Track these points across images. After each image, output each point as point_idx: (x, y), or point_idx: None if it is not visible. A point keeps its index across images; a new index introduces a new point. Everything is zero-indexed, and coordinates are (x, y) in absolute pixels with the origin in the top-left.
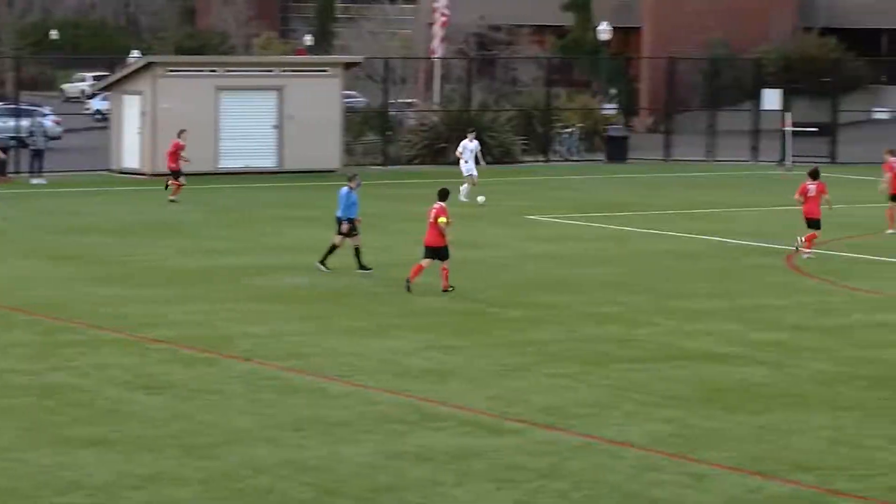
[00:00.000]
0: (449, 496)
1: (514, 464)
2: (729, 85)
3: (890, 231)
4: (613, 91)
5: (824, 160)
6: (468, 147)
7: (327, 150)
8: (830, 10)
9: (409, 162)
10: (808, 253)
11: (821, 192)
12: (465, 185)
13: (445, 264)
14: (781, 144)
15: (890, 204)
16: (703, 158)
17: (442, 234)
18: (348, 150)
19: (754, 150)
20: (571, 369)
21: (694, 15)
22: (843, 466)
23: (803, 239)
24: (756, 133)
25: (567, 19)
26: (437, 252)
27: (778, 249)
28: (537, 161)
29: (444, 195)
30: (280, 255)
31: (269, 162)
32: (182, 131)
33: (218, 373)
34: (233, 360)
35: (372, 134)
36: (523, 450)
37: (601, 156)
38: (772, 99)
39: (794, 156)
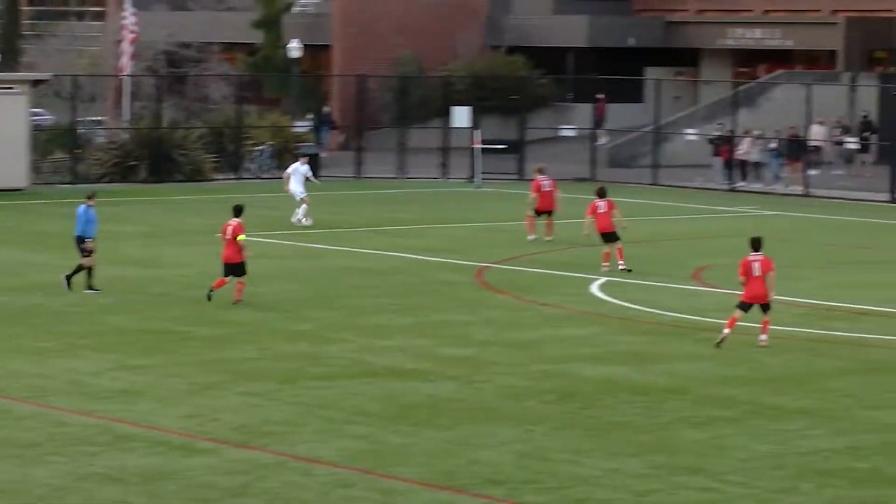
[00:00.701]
0: None
1: (206, 483)
2: (419, 102)
3: (531, 237)
4: (328, 109)
5: (512, 177)
6: (299, 170)
7: (14, 168)
8: (517, 29)
9: (99, 180)
10: (611, 266)
11: (611, 207)
12: (304, 207)
13: (243, 279)
14: (471, 161)
15: (531, 214)
16: (395, 176)
17: (240, 251)
18: (36, 169)
19: (444, 167)
20: (263, 387)
21: (383, 33)
22: (531, 479)
23: (616, 256)
24: (446, 150)
25: (257, 37)
26: (235, 268)
27: (468, 265)
28: (228, 179)
29: (238, 211)
30: None
31: None
32: None
33: None
34: None
35: (60, 152)
36: (216, 469)
37: None
38: (461, 116)
39: (483, 172)
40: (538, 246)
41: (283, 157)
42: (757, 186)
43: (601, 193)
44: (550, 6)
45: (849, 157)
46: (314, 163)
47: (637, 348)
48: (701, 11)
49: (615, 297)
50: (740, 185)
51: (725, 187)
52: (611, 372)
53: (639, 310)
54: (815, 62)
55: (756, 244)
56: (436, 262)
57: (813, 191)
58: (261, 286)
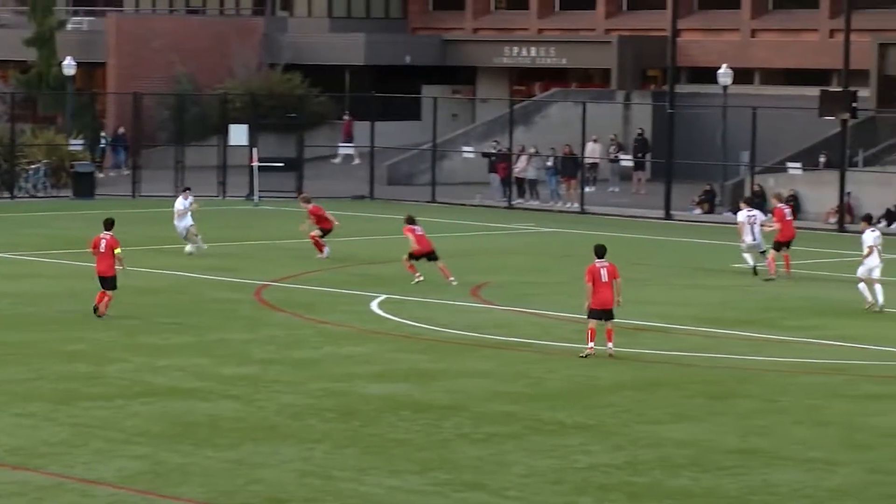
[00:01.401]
0: None
1: None
2: (196, 120)
3: (319, 256)
4: (122, 130)
5: (291, 195)
6: (184, 204)
7: None
8: (294, 47)
9: None
10: (419, 277)
11: (423, 234)
12: (198, 237)
13: (111, 293)
14: (250, 179)
15: (316, 234)
16: (172, 194)
17: (114, 264)
18: None
19: (222, 185)
20: (39, 408)
21: (158, 51)
22: (313, 498)
23: (444, 274)
24: (224, 168)
25: (30, 54)
26: (108, 281)
27: (247, 284)
28: (2, 198)
29: (110, 225)
30: None
31: None
32: None
33: None
34: None
35: None
36: None
37: (68, 192)
38: (239, 134)
39: (261, 190)
40: (317, 264)
41: (59, 175)
42: (534, 203)
43: (412, 220)
44: (327, 25)
45: (624, 175)
46: (89, 182)
47: (417, 365)
48: (477, 30)
49: (395, 315)
50: (518, 202)
51: (503, 205)
52: (391, 389)
53: (418, 327)
54: (590, 80)
55: (600, 251)
56: (215, 280)
57: (589, 208)
58: (36, 306)
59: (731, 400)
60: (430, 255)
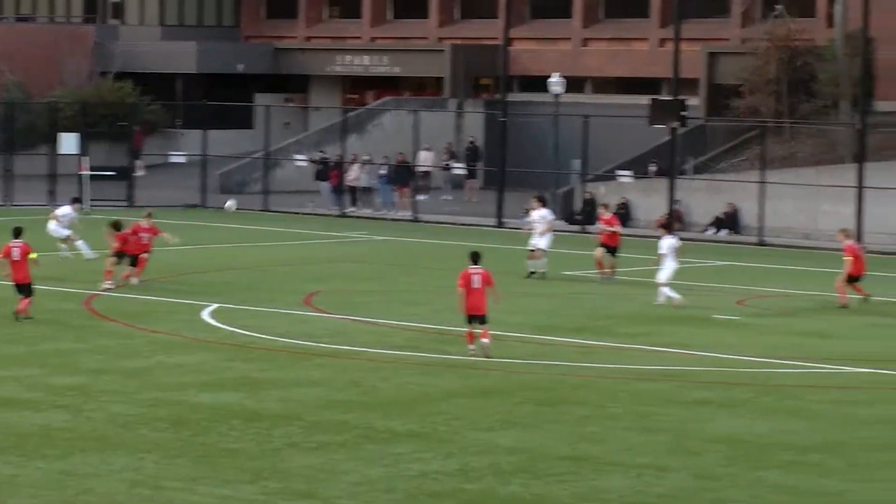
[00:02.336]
0: None
1: None
2: (25, 129)
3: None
4: None
5: (122, 204)
6: (69, 214)
7: None
8: (125, 55)
9: None
10: (109, 284)
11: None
12: (80, 242)
13: (31, 298)
14: (80, 188)
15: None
16: (2, 203)
17: (28, 270)
18: None
19: (52, 193)
20: None
21: None
22: None
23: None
24: (53, 177)
25: None
26: (25, 288)
27: (76, 293)
28: None
29: (19, 232)
30: None
31: None
32: None
33: None
34: None
35: None
36: None
37: None
38: (69, 143)
39: (92, 199)
40: (147, 272)
41: None
42: (367, 212)
43: (119, 225)
44: (158, 32)
45: (457, 183)
46: None
47: (249, 374)
48: (309, 38)
49: (227, 324)
50: (350, 210)
51: (336, 213)
52: (223, 398)
53: (251, 336)
54: (423, 89)
55: (475, 257)
56: (43, 290)
57: (422, 216)
58: None
59: (563, 407)
60: (133, 258)
